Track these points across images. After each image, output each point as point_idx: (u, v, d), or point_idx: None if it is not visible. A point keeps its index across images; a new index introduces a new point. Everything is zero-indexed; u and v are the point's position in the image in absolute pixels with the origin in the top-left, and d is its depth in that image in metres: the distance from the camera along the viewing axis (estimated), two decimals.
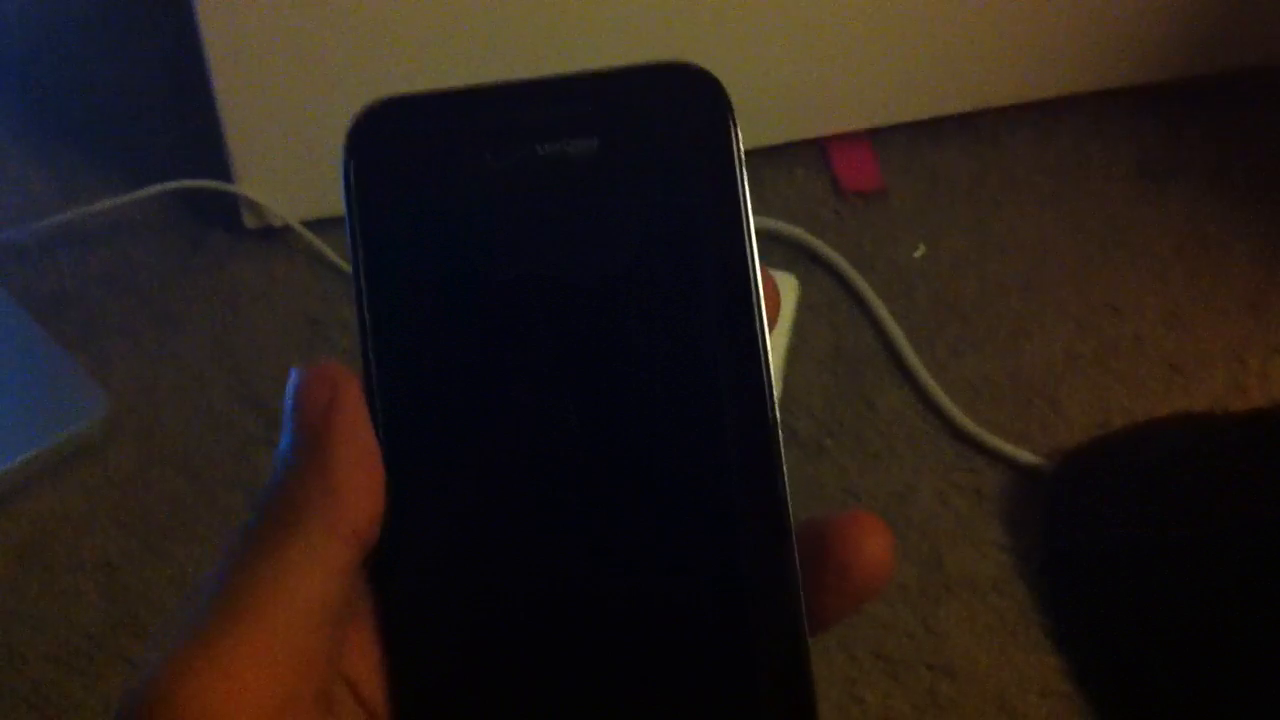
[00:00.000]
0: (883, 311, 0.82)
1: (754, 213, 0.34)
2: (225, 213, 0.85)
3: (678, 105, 0.34)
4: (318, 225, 0.85)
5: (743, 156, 0.34)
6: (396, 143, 0.33)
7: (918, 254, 0.87)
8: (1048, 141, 0.95)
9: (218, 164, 0.83)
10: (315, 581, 0.30)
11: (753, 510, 0.33)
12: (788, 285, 0.80)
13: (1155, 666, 0.65)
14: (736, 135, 0.34)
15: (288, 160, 0.83)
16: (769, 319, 0.34)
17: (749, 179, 0.34)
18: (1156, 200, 0.92)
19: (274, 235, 0.85)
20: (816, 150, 0.93)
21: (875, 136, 0.94)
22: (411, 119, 0.34)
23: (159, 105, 0.94)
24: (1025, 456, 0.75)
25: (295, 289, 0.83)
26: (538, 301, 0.33)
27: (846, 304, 0.84)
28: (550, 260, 0.33)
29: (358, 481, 0.31)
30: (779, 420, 0.33)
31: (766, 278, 0.34)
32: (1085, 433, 0.77)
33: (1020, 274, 0.86)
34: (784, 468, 0.33)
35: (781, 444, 0.33)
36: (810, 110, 0.92)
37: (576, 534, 0.33)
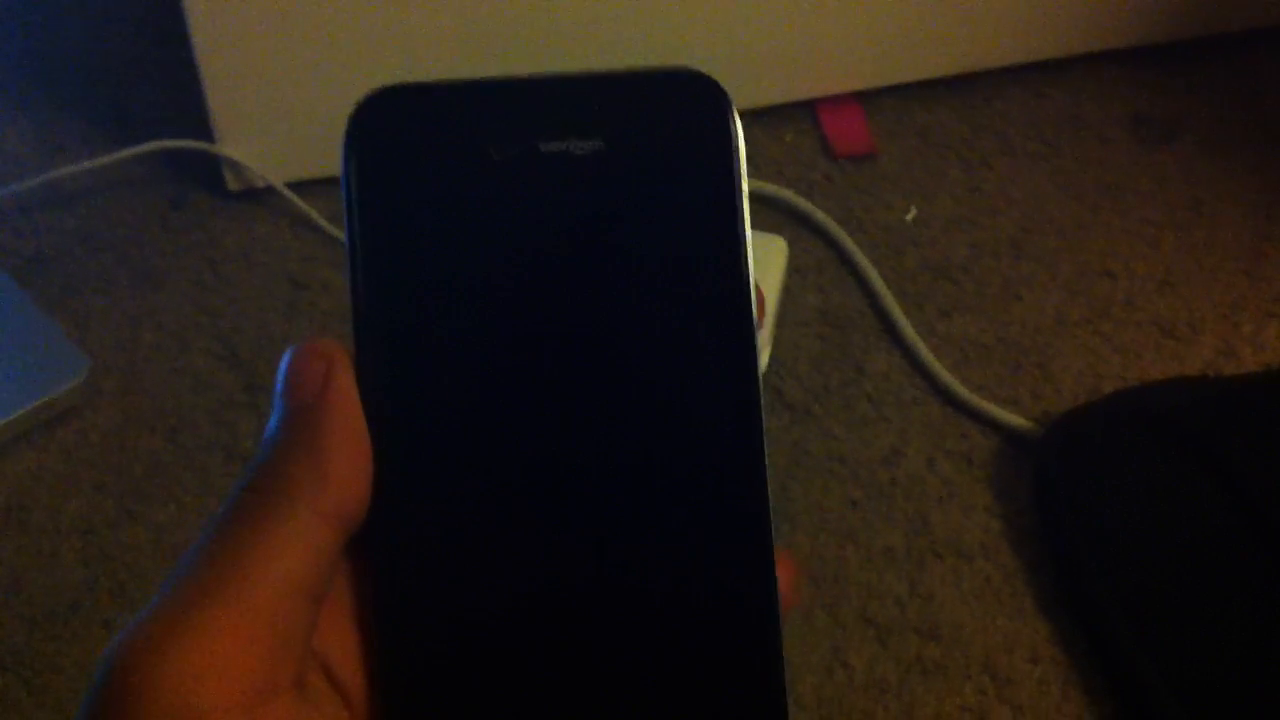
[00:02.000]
0: (872, 274, 0.81)
1: (745, 174, 0.34)
2: (207, 174, 0.84)
3: (682, 112, 0.34)
4: (301, 187, 0.84)
5: (744, 168, 0.34)
6: (397, 132, 0.33)
7: (909, 217, 0.86)
8: (1041, 103, 0.94)
9: (200, 124, 0.82)
10: (298, 560, 0.30)
11: (733, 499, 0.34)
12: (776, 248, 0.79)
13: (1144, 632, 0.65)
14: (739, 146, 0.34)
15: (270, 121, 0.82)
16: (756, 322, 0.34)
17: (746, 173, 0.34)
18: (1150, 163, 0.91)
19: (256, 196, 0.84)
20: (807, 112, 0.92)
21: (866, 99, 0.93)
22: (413, 109, 0.34)
23: (140, 64, 0.92)
24: (1015, 421, 0.74)
25: (277, 250, 0.82)
26: (532, 296, 0.33)
27: (835, 267, 0.83)
28: (546, 256, 0.33)
29: (346, 463, 0.31)
30: (764, 426, 0.34)
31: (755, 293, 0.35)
32: (1075, 397, 0.76)
33: (1011, 237, 0.85)
34: (766, 459, 0.34)
35: (765, 443, 0.34)
36: (800, 72, 0.91)
37: (563, 521, 0.33)
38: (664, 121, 0.34)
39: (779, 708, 0.34)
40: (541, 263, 0.33)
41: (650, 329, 0.34)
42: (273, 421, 0.32)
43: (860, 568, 0.69)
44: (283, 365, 0.32)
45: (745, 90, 0.88)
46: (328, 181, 0.84)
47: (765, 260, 0.78)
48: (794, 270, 0.82)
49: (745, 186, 0.34)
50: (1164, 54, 0.97)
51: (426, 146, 0.33)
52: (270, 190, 0.83)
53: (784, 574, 0.34)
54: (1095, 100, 0.95)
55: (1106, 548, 0.68)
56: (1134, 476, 0.71)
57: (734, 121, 0.34)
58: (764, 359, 0.75)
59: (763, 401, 0.34)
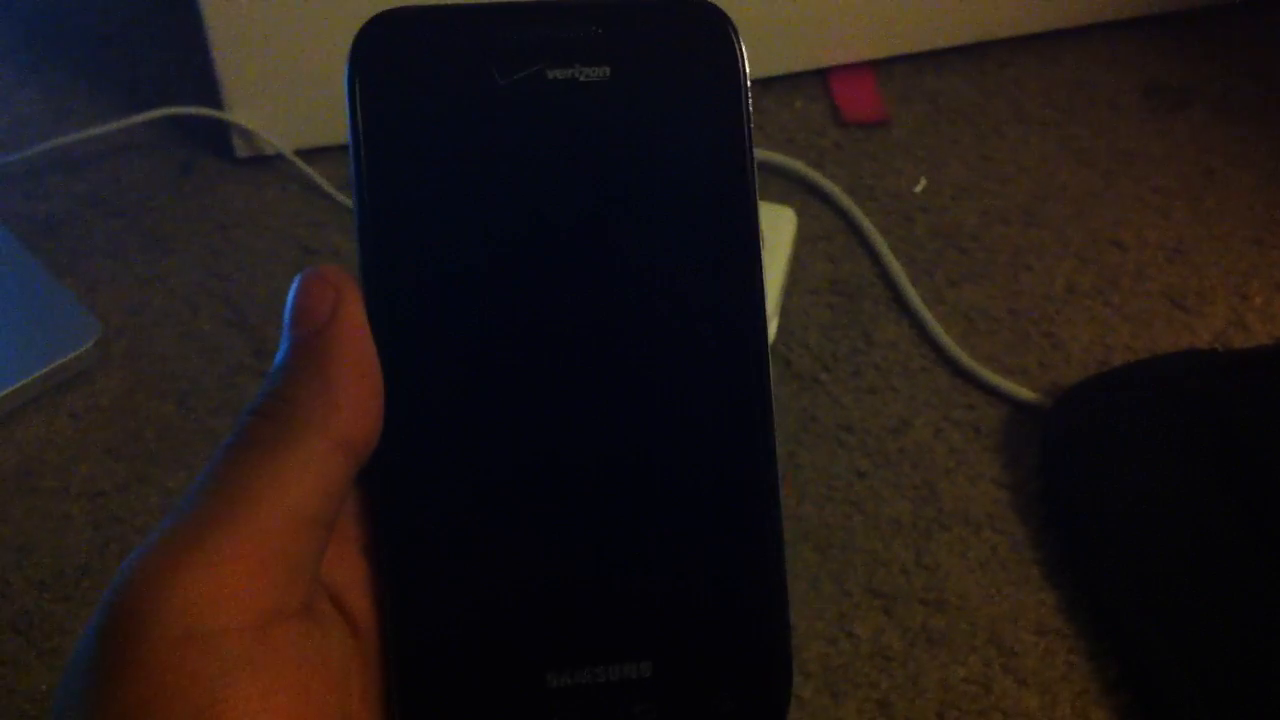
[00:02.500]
0: (881, 243, 0.81)
1: (754, 144, 0.34)
2: (217, 139, 0.84)
3: (688, 38, 0.34)
4: (310, 154, 0.84)
5: (749, 95, 0.34)
6: (402, 56, 0.33)
7: (918, 188, 0.86)
8: (1053, 71, 0.94)
9: (210, 90, 0.82)
10: (307, 489, 0.30)
11: (740, 440, 0.34)
12: (785, 218, 0.79)
13: (1149, 604, 0.65)
14: (744, 72, 0.34)
15: (279, 88, 0.82)
16: None
17: (753, 112, 0.34)
18: (1162, 131, 0.90)
19: (265, 162, 0.84)
20: (817, 79, 0.91)
21: (877, 65, 0.92)
22: (418, 32, 0.34)
23: (151, 29, 0.92)
24: (1023, 393, 0.74)
25: (286, 215, 0.82)
26: (538, 222, 0.33)
27: (845, 236, 0.83)
28: (552, 182, 0.33)
29: (355, 391, 0.32)
30: (769, 349, 0.34)
31: None
32: (1084, 368, 0.76)
33: (1021, 205, 0.85)
34: (771, 391, 0.34)
35: (770, 367, 0.34)
36: (812, 41, 0.90)
37: (571, 450, 0.33)
38: (670, 49, 0.34)
39: (783, 644, 0.34)
40: (547, 189, 0.33)
41: (656, 254, 0.34)
42: (282, 349, 0.32)
43: (867, 537, 0.69)
44: (291, 293, 0.32)
45: (757, 58, 0.88)
46: (336, 149, 0.84)
47: (774, 231, 0.77)
48: (803, 239, 0.82)
49: (751, 115, 0.34)
50: (1177, 22, 0.96)
51: (432, 70, 0.33)
52: (279, 157, 0.83)
53: None
54: (1108, 68, 0.94)
55: (1113, 519, 0.68)
56: (1142, 448, 0.71)
57: (740, 49, 0.34)
58: (773, 328, 0.75)
59: (765, 323, 0.34)
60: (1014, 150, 0.89)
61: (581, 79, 0.33)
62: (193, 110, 0.82)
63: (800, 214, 0.81)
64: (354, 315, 0.32)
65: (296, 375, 0.31)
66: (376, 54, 0.33)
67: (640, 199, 0.34)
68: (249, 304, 0.77)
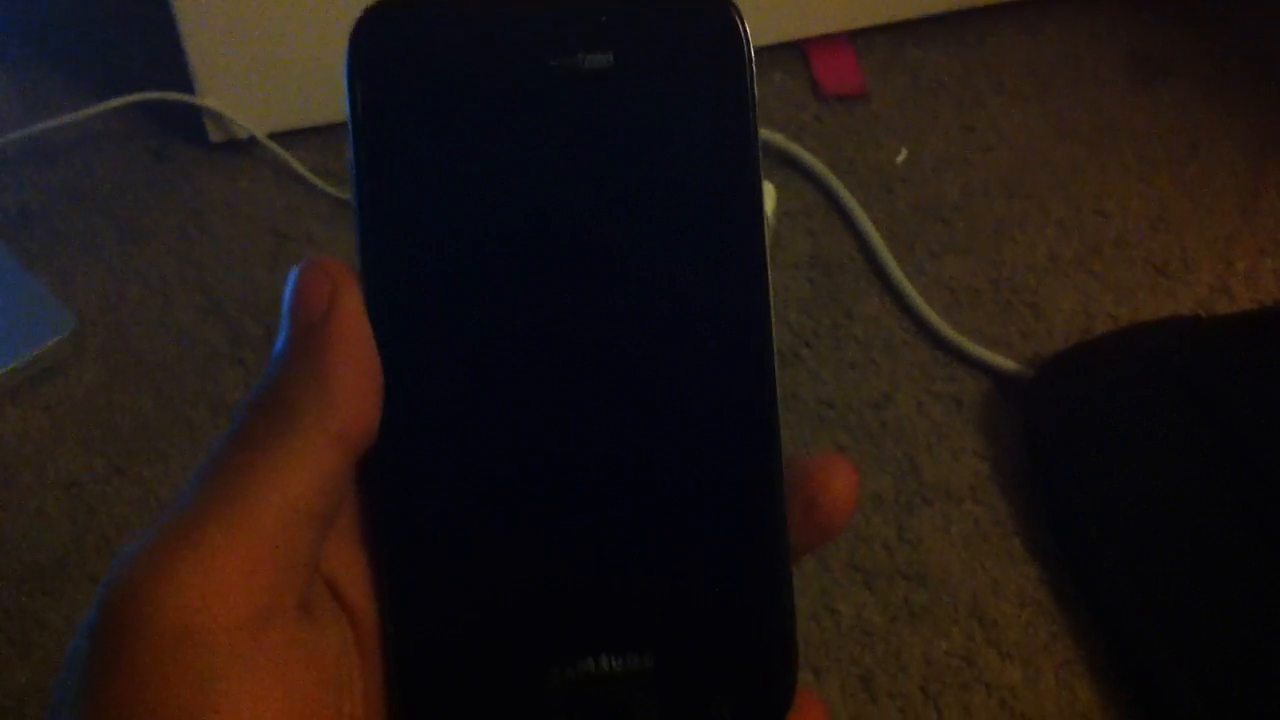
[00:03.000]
0: (862, 216, 0.81)
1: (757, 93, 0.34)
2: (190, 125, 0.84)
3: (692, 25, 0.34)
4: (284, 138, 0.83)
5: (755, 81, 0.34)
6: (401, 45, 0.33)
7: (899, 159, 0.85)
8: (1035, 41, 0.93)
9: (182, 75, 0.81)
10: (304, 483, 0.30)
11: (744, 430, 0.33)
12: (765, 194, 0.78)
13: (1133, 573, 0.64)
14: (750, 58, 0.34)
15: (252, 72, 0.81)
16: None
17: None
18: (1145, 100, 0.90)
19: (239, 147, 0.84)
20: (796, 53, 0.91)
21: (856, 37, 0.92)
22: (418, 21, 0.33)
23: (123, 16, 0.92)
24: (1005, 364, 0.74)
25: (261, 202, 0.81)
26: (542, 212, 0.33)
27: (825, 210, 0.82)
28: (555, 171, 0.33)
29: (353, 384, 0.31)
30: (774, 338, 0.34)
31: None
32: (1067, 338, 0.76)
33: (1003, 176, 0.85)
34: (777, 386, 0.34)
35: (776, 365, 0.34)
36: (790, 11, 0.90)
37: (572, 443, 0.33)
38: (675, 35, 0.34)
39: (788, 634, 0.34)
40: (550, 178, 0.33)
41: (660, 243, 0.33)
42: (279, 341, 0.32)
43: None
44: (289, 284, 0.32)
45: None
46: (310, 132, 0.84)
47: None
48: (783, 214, 0.81)
49: (756, 105, 0.34)
50: None
51: (432, 59, 0.33)
52: (253, 141, 0.82)
53: (844, 480, 0.34)
54: (1090, 38, 0.94)
55: (1096, 489, 0.68)
56: (1125, 418, 0.70)
57: (746, 35, 0.34)
58: None
59: (772, 317, 0.34)
60: (995, 121, 0.88)
61: (585, 67, 0.33)
62: (164, 96, 0.82)
63: (780, 189, 0.81)
64: (352, 307, 0.32)
65: (293, 368, 0.31)
66: (375, 43, 0.33)
67: (644, 187, 0.33)
68: (225, 292, 0.77)
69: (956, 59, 0.92)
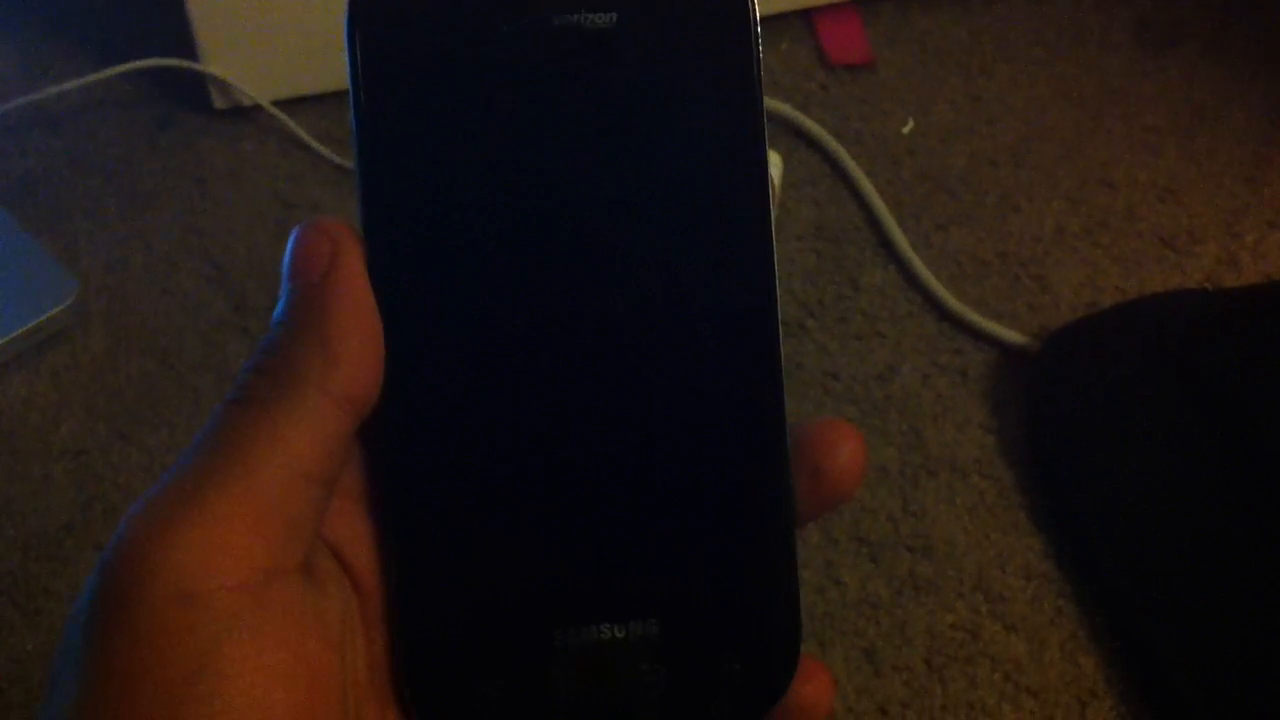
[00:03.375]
0: (868, 187, 0.80)
1: (761, 52, 0.34)
2: (194, 92, 0.83)
3: None
4: (289, 105, 0.83)
5: (759, 41, 0.33)
6: (402, 7, 0.33)
7: (906, 129, 0.85)
8: (1042, 9, 0.93)
9: (186, 42, 0.80)
10: (306, 445, 0.30)
11: (749, 396, 0.34)
12: (771, 164, 0.78)
13: (1138, 546, 0.64)
14: (755, 18, 0.33)
15: (256, 38, 0.80)
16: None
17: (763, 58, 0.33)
18: (1153, 69, 0.89)
19: (243, 114, 0.83)
20: (802, 21, 0.90)
21: (863, 6, 0.91)
22: None
23: None
24: (1011, 336, 0.73)
25: (266, 169, 0.81)
26: (544, 172, 0.33)
27: (831, 180, 0.82)
28: (558, 131, 0.33)
29: (355, 346, 0.31)
30: (779, 311, 0.34)
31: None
32: (1073, 310, 0.75)
33: (1010, 146, 0.84)
34: (781, 353, 0.34)
35: (780, 330, 0.34)
36: None
37: (574, 405, 0.33)
38: None
39: (791, 601, 0.34)
40: (553, 139, 0.33)
41: (665, 206, 0.33)
42: (280, 303, 0.32)
43: None
44: (289, 245, 0.32)
45: None
46: (315, 99, 0.83)
47: None
48: (789, 184, 0.81)
49: (761, 62, 0.33)
50: None
51: (433, 19, 0.33)
52: (257, 108, 0.82)
53: (851, 446, 0.34)
54: (1098, 5, 0.93)
55: (1101, 461, 0.68)
56: (1131, 390, 0.70)
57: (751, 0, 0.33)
58: None
59: (777, 284, 0.34)
60: (1003, 91, 0.87)
61: (588, 25, 0.33)
62: (168, 62, 0.81)
63: (786, 159, 0.81)
64: (353, 267, 0.31)
65: (293, 330, 0.31)
66: (375, 4, 0.32)
67: (647, 150, 0.33)
68: (229, 259, 0.77)
69: (964, 27, 0.91)
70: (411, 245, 0.32)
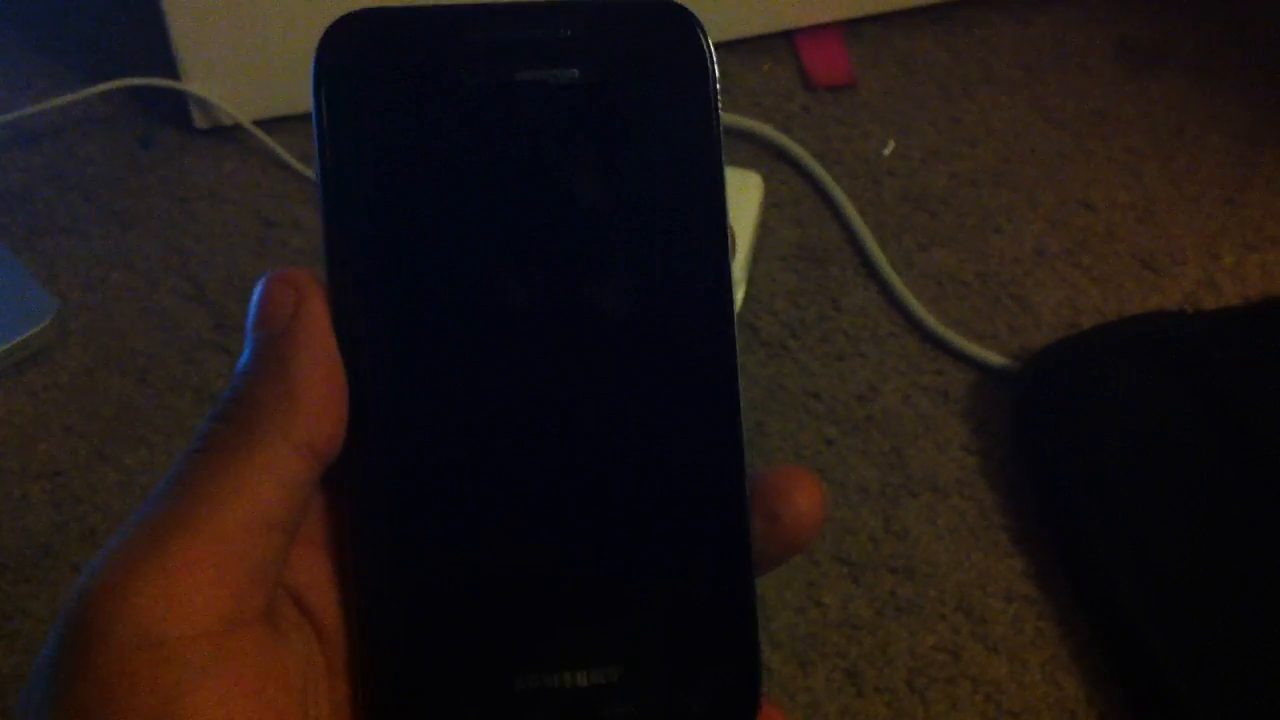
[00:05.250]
0: (849, 207, 0.80)
1: (720, 107, 0.34)
2: (176, 111, 0.83)
3: (656, 40, 0.34)
4: (270, 124, 0.82)
5: (719, 96, 0.34)
6: (368, 57, 0.33)
7: (887, 151, 0.85)
8: (1024, 30, 0.93)
9: (168, 61, 0.80)
10: (269, 492, 0.30)
11: (710, 447, 0.34)
12: (752, 184, 0.78)
13: (1128, 566, 0.64)
14: (714, 74, 0.34)
15: (238, 58, 0.80)
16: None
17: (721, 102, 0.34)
18: (1133, 91, 0.90)
19: (225, 133, 0.83)
20: (784, 42, 0.90)
21: (845, 26, 0.91)
22: (385, 33, 0.33)
23: (107, 1, 0.91)
24: (992, 357, 0.74)
25: (247, 188, 0.81)
26: (507, 223, 0.33)
27: (813, 200, 0.82)
28: (521, 183, 0.33)
29: (318, 392, 0.31)
30: (737, 348, 0.34)
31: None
32: (1054, 332, 0.76)
33: (991, 167, 0.84)
34: (742, 404, 0.34)
35: (739, 373, 0.34)
36: (780, 1, 0.89)
37: (538, 452, 0.33)
38: (639, 50, 0.34)
39: (751, 648, 0.34)
40: (516, 192, 0.33)
41: (624, 260, 0.33)
42: (244, 353, 0.32)
43: (835, 505, 0.68)
44: (254, 295, 0.32)
45: (722, 21, 0.87)
46: (296, 118, 0.83)
47: (741, 198, 0.77)
48: (771, 204, 0.81)
49: (721, 118, 0.34)
50: None
51: (399, 72, 0.33)
52: (238, 128, 0.82)
53: (808, 494, 0.34)
54: (1079, 27, 0.93)
55: (1085, 481, 0.68)
56: (1111, 410, 0.70)
57: (709, 52, 0.34)
58: (739, 295, 0.74)
59: (736, 332, 0.34)
60: (984, 112, 0.88)
61: (550, 81, 0.33)
62: (150, 81, 0.81)
63: (767, 179, 0.81)
64: (317, 316, 0.32)
65: (257, 377, 0.31)
66: (343, 55, 0.33)
67: (609, 201, 0.33)
68: (209, 278, 0.76)
69: (945, 49, 0.91)
70: (376, 295, 0.33)
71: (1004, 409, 0.72)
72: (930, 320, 0.75)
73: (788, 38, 0.91)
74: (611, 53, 0.33)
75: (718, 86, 0.34)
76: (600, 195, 0.33)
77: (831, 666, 0.63)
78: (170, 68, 0.80)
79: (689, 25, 0.34)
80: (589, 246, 0.33)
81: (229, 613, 0.29)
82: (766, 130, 0.84)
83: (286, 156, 0.81)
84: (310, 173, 0.80)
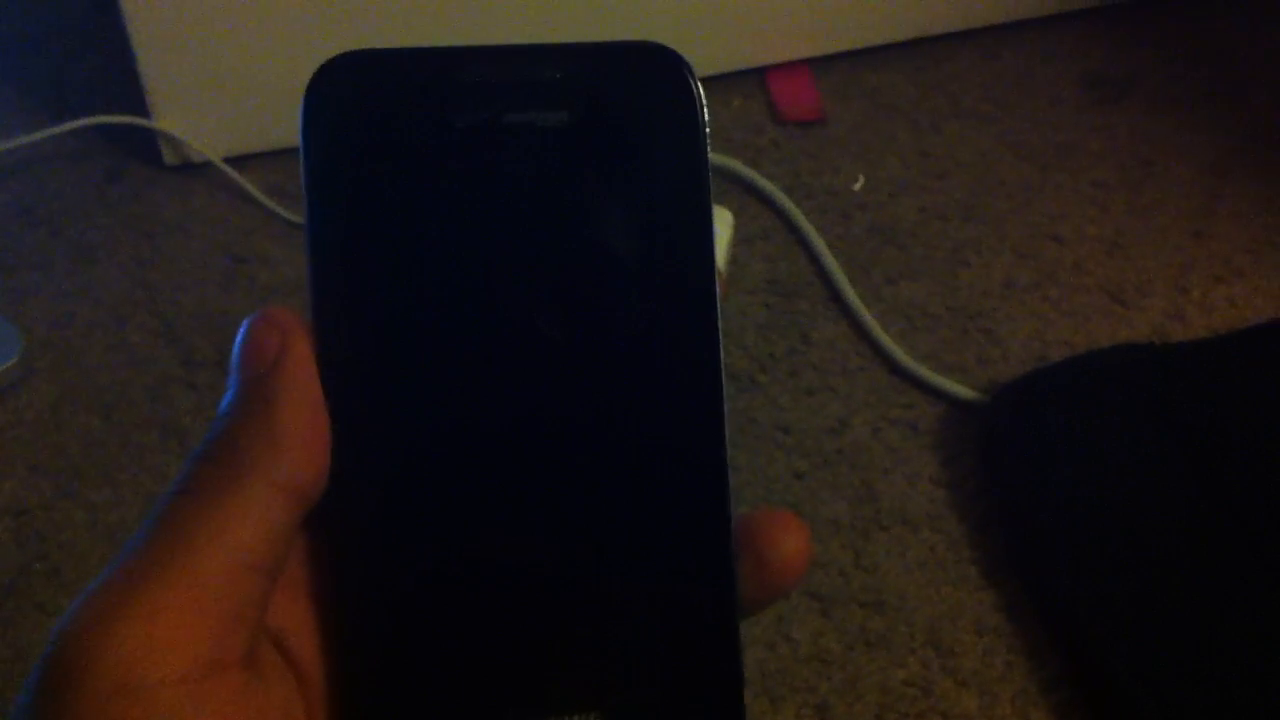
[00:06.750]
0: (819, 242, 0.81)
1: (709, 150, 0.34)
2: (145, 147, 0.83)
3: (646, 83, 0.34)
4: (238, 160, 0.82)
5: (708, 139, 0.34)
6: (357, 99, 0.33)
7: (856, 186, 0.85)
8: (992, 65, 0.94)
9: (137, 98, 0.80)
10: (250, 535, 0.30)
11: (693, 486, 0.33)
12: (722, 221, 0.78)
13: (1096, 599, 0.64)
14: (703, 117, 0.34)
15: (207, 95, 0.80)
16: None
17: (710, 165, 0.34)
18: (1100, 124, 0.90)
19: (194, 170, 0.83)
20: (754, 77, 0.91)
21: (815, 62, 0.92)
22: (373, 76, 0.33)
23: (78, 35, 0.91)
24: (961, 390, 0.74)
25: (215, 223, 0.81)
26: (494, 268, 0.33)
27: (782, 235, 0.82)
28: (508, 228, 0.33)
29: (301, 434, 0.31)
30: (726, 401, 0.34)
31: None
32: (1023, 364, 0.76)
33: (960, 200, 0.85)
34: (727, 455, 0.33)
35: (727, 427, 0.33)
36: (750, 39, 0.90)
37: (522, 496, 0.33)
38: (628, 95, 0.34)
39: (735, 695, 0.33)
40: (503, 235, 0.33)
41: (613, 303, 0.33)
42: (227, 394, 0.31)
43: None
44: (238, 336, 0.32)
45: (694, 58, 0.87)
46: (265, 155, 0.83)
47: None
48: (741, 239, 0.81)
49: (709, 159, 0.34)
50: (1115, 13, 0.96)
51: (387, 114, 0.33)
52: (208, 164, 0.82)
53: (794, 536, 0.33)
54: (1046, 61, 0.94)
55: (1053, 513, 0.68)
56: (1080, 443, 0.70)
57: (699, 95, 0.34)
58: None
59: (725, 377, 0.33)
60: (952, 146, 0.88)
61: (540, 123, 0.33)
62: (119, 119, 0.81)
63: (737, 214, 0.81)
64: (301, 358, 0.31)
65: (240, 419, 0.31)
66: (331, 98, 0.33)
67: (597, 246, 0.33)
68: (177, 314, 0.76)
69: (913, 84, 0.92)
70: (361, 337, 0.32)
71: (973, 441, 0.72)
72: (899, 353, 0.75)
73: (759, 74, 0.91)
74: (601, 95, 0.33)
75: (707, 130, 0.34)
76: (589, 238, 0.33)
77: (801, 702, 0.62)
78: (139, 105, 0.80)
79: (678, 68, 0.33)
80: (577, 290, 0.33)
81: (208, 657, 0.29)
82: (736, 165, 0.84)
83: (255, 192, 0.81)
84: (279, 208, 0.80)
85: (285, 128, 0.80)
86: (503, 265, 0.33)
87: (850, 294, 0.78)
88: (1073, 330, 0.78)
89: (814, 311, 0.78)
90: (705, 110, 0.34)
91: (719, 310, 0.33)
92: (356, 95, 0.33)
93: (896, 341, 0.76)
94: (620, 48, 0.34)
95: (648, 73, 0.34)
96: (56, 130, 0.81)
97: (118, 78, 0.84)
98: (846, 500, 0.70)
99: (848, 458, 0.72)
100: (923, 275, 0.80)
